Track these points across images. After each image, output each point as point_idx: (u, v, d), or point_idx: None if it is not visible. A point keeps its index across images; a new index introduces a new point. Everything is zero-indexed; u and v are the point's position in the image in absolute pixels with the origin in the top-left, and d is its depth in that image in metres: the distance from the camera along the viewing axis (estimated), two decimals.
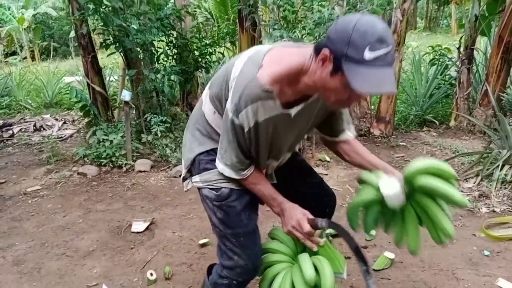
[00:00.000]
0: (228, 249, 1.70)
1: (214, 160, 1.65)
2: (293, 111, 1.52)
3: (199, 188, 1.75)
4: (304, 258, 1.65)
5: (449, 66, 6.63)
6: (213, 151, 1.67)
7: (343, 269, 1.60)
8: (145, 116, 4.87)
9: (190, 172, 1.77)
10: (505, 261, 2.65)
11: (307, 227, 1.59)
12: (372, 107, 5.87)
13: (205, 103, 1.68)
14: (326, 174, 4.41)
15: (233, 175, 1.61)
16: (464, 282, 2.44)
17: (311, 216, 1.63)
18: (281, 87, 1.43)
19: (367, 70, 1.24)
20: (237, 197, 1.68)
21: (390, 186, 1.54)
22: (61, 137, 6.11)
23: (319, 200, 1.95)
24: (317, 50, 1.33)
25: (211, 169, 1.67)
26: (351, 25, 1.24)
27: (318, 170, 4.48)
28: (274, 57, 1.46)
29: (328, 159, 4.75)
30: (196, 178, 1.73)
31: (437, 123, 6.05)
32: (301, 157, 2.03)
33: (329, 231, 1.85)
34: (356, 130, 5.50)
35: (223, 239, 1.72)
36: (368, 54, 1.23)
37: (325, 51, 1.29)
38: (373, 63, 1.24)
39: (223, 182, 1.67)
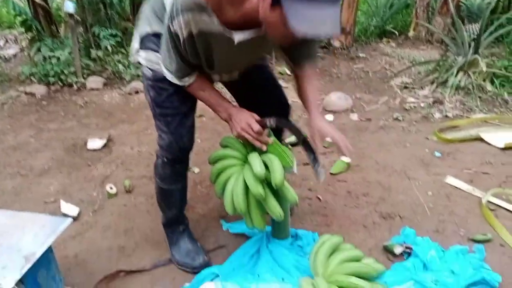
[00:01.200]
0: (158, 128, 1.75)
1: (159, 44, 1.59)
2: (238, 36, 1.40)
3: (141, 65, 1.72)
4: (253, 156, 1.66)
5: None
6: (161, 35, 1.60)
7: (292, 163, 1.63)
8: (93, 30, 4.54)
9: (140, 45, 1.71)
10: (454, 161, 2.79)
11: (256, 127, 1.60)
12: None
13: None
14: (286, 87, 4.37)
15: (175, 80, 1.59)
16: (415, 181, 2.57)
17: (257, 117, 1.63)
18: (219, 4, 1.32)
19: (307, 7, 1.12)
20: (171, 82, 1.64)
21: None
22: (4, 57, 5.66)
23: (271, 107, 1.92)
24: None
25: (155, 50, 1.63)
26: None
27: None
28: None
29: (288, 72, 4.68)
30: (142, 53, 1.68)
31: (397, 33, 6.03)
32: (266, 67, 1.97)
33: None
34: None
35: (154, 118, 1.75)
36: None
37: None
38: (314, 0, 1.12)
39: (159, 66, 1.63)
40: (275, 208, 1.66)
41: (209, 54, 1.49)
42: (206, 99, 1.66)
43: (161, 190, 1.90)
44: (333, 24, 1.16)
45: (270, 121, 1.62)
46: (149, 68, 1.67)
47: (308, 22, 1.13)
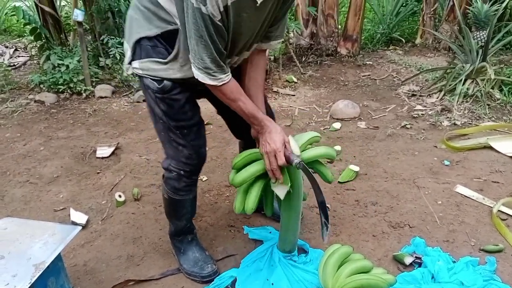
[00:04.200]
0: (172, 140, 1.68)
1: (157, 47, 1.52)
2: None
3: (140, 76, 1.62)
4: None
5: None
6: (159, 37, 1.51)
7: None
8: (102, 38, 4.58)
9: (134, 56, 1.60)
10: (463, 169, 2.77)
11: (282, 160, 1.54)
12: (339, 26, 5.74)
13: None
14: (294, 95, 4.38)
15: (207, 80, 1.45)
16: (424, 189, 2.55)
17: (289, 148, 1.58)
18: None
19: None
20: (180, 90, 1.60)
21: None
22: (14, 65, 5.72)
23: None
24: None
25: (152, 57, 1.53)
26: None
27: (285, 91, 4.44)
28: None
29: (295, 80, 4.69)
30: (136, 63, 1.58)
31: (403, 41, 6.03)
32: None
33: None
34: (323, 50, 5.45)
35: (167, 131, 1.67)
36: None
37: None
38: None
39: (163, 74, 1.55)
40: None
41: (238, 26, 1.42)
42: (240, 108, 1.55)
43: (173, 201, 1.85)
44: None
45: (298, 164, 1.55)
46: (153, 79, 1.57)
47: None
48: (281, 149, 1.55)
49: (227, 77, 1.49)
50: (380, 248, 2.06)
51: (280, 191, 1.64)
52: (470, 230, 2.16)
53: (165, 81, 1.56)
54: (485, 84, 3.80)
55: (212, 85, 1.48)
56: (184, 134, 1.66)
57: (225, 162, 2.96)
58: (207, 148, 1.81)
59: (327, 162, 2.90)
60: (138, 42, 1.54)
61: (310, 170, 1.65)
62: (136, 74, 1.62)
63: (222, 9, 1.31)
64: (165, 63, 1.53)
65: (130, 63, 1.61)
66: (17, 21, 7.23)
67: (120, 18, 4.76)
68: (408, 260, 1.90)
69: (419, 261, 1.90)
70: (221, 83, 1.48)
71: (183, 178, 1.75)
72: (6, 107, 4.13)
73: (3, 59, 6.10)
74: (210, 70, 1.43)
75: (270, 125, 1.58)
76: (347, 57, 5.46)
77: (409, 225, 2.22)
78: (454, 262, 1.89)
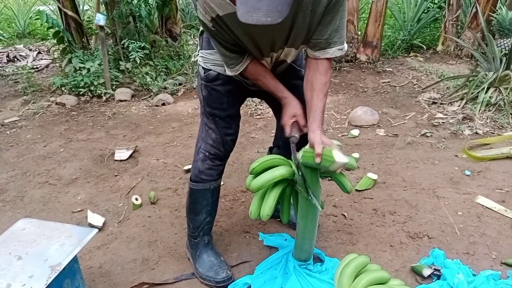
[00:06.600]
0: (204, 124, 1.85)
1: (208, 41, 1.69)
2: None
3: (198, 64, 1.82)
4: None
5: None
6: None
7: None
8: (123, 42, 4.64)
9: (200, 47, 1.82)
10: (485, 180, 2.70)
11: (287, 132, 1.68)
12: (359, 32, 5.70)
13: None
14: None
15: (228, 72, 1.64)
16: (444, 199, 2.49)
17: (302, 122, 1.65)
18: None
19: None
20: (222, 82, 1.75)
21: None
22: (37, 68, 5.86)
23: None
24: None
25: (207, 48, 1.72)
26: None
27: None
28: None
29: None
30: (199, 53, 1.80)
31: (425, 48, 5.95)
32: (301, 81, 1.90)
33: None
34: (342, 56, 5.41)
35: (203, 114, 1.85)
36: None
37: None
38: None
39: (213, 65, 1.73)
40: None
41: (237, 37, 1.47)
42: (264, 86, 1.69)
43: (194, 192, 1.88)
44: (268, 12, 1.13)
45: (290, 136, 1.67)
46: (202, 67, 1.77)
47: (245, 6, 1.13)
48: (287, 123, 1.67)
49: (242, 66, 1.61)
50: (398, 259, 2.02)
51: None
52: (491, 242, 2.10)
53: (210, 71, 1.74)
54: (508, 93, 3.71)
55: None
56: (215, 122, 1.82)
57: (242, 167, 2.95)
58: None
59: (344, 169, 2.86)
60: (202, 34, 1.76)
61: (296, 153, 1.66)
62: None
63: (209, 19, 1.42)
64: (213, 54, 1.70)
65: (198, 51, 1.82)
66: (41, 24, 7.42)
67: (140, 22, 4.83)
68: (426, 272, 1.85)
69: (438, 273, 1.85)
70: (237, 72, 1.63)
71: (207, 160, 1.85)
72: (28, 109, 4.22)
73: (27, 62, 6.26)
74: (227, 63, 1.62)
75: (286, 101, 1.68)
76: (366, 63, 5.41)
77: (428, 236, 2.17)
78: (474, 275, 1.84)
